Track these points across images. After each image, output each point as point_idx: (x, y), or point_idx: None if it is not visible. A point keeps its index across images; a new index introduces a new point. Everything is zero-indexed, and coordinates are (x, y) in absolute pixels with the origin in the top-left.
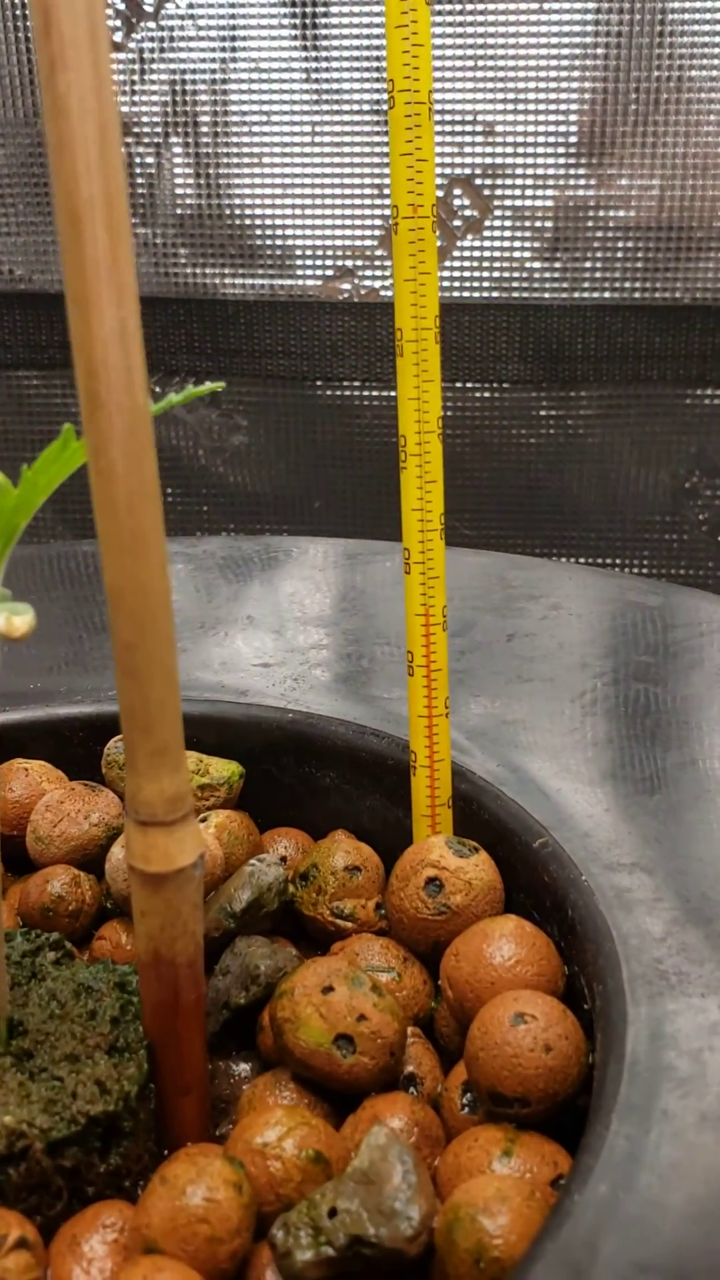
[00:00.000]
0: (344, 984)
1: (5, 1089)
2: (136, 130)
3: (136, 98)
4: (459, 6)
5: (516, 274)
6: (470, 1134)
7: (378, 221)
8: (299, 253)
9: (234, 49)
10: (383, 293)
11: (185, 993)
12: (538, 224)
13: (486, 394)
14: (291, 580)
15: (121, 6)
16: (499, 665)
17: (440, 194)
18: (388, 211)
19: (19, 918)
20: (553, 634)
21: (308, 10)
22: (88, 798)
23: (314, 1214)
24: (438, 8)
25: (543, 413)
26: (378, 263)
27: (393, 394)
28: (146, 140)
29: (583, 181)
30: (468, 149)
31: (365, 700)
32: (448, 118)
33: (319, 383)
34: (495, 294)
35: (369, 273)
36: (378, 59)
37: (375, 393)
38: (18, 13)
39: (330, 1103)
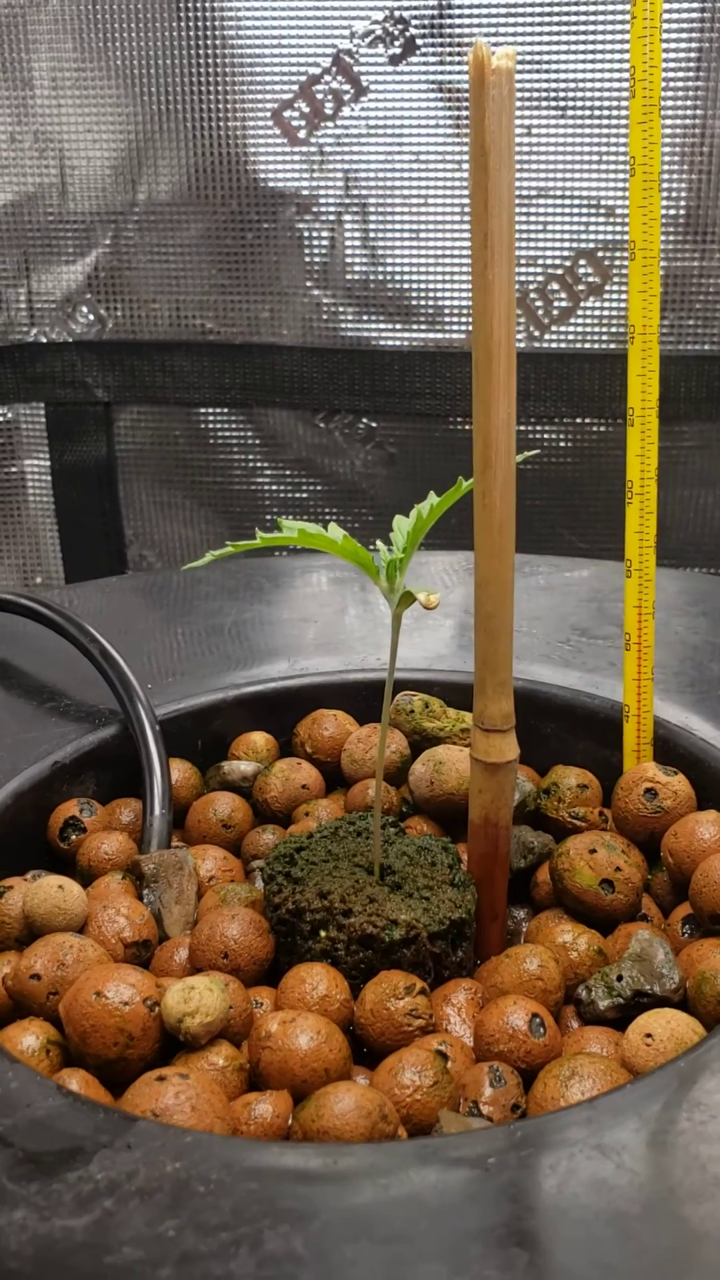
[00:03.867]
0: (603, 848)
1: (394, 902)
2: (315, 210)
3: (316, 183)
4: (589, 111)
5: None
6: (697, 943)
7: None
8: (447, 312)
9: (399, 143)
10: (515, 345)
11: (501, 846)
12: None
13: (602, 428)
14: None
15: (307, 110)
16: (682, 651)
17: (567, 263)
18: (522, 277)
19: (348, 812)
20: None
21: (462, 110)
22: (387, 733)
23: (606, 980)
24: (570, 113)
25: None
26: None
27: (522, 428)
28: (323, 219)
29: (687, 254)
30: (592, 227)
31: (575, 671)
32: (576, 202)
33: (459, 419)
34: (612, 345)
35: None
36: (518, 155)
37: None
38: (207, 114)
39: (592, 928)
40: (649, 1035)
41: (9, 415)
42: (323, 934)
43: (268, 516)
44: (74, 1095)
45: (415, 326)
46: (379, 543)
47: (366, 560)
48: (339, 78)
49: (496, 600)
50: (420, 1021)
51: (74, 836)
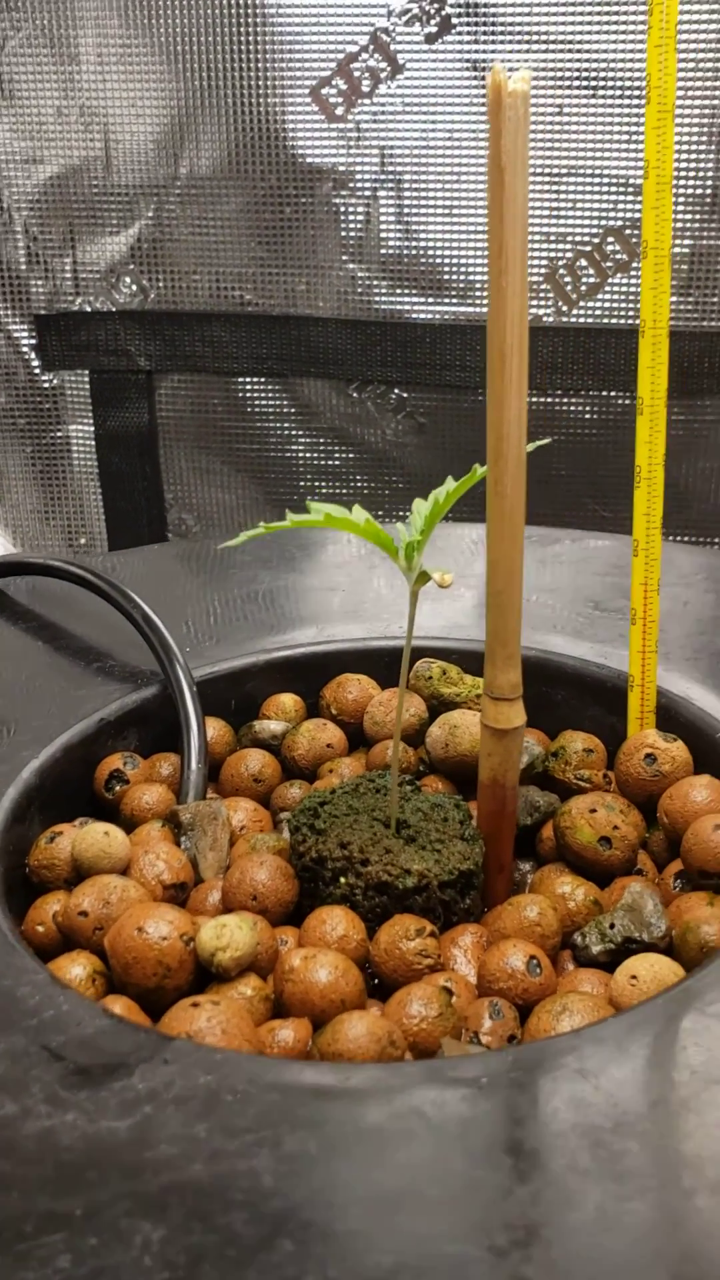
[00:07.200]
0: (603, 808)
1: (408, 854)
2: (351, 185)
3: (352, 159)
4: (619, 91)
5: None
6: (686, 896)
7: (543, 263)
8: (477, 286)
9: (433, 121)
10: (544, 319)
11: (508, 805)
12: (674, 266)
13: (626, 401)
14: None
15: (345, 87)
16: (690, 625)
17: (596, 240)
18: (552, 254)
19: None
20: None
21: None
22: (406, 697)
23: (600, 927)
24: (603, 94)
25: (672, 417)
26: (540, 296)
27: (544, 400)
28: (359, 194)
29: (713, 233)
30: (620, 205)
31: (586, 642)
32: (606, 180)
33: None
34: (636, 322)
35: (533, 304)
36: (550, 134)
37: (532, 400)
38: (248, 91)
39: (591, 880)
40: (634, 976)
41: (55, 382)
42: (342, 880)
43: (301, 483)
44: (118, 1017)
45: (446, 300)
46: (399, 525)
47: (387, 541)
48: (376, 55)
49: (506, 579)
50: (429, 960)
51: (118, 787)
